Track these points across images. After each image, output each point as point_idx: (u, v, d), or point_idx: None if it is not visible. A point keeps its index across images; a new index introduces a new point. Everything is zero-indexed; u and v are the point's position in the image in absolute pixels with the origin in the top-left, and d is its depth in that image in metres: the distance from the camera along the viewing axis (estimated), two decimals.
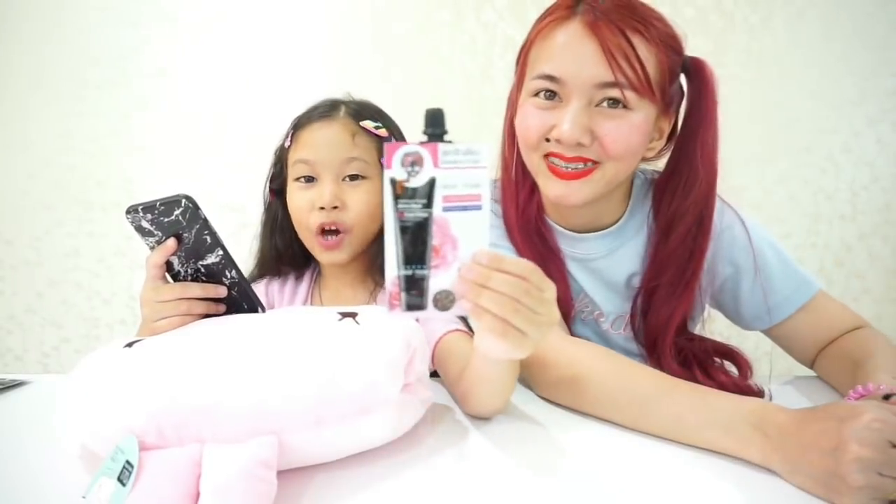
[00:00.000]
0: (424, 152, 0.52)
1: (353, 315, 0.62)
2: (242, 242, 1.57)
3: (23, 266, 1.63)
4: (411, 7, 1.51)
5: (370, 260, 0.92)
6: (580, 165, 0.74)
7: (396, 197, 0.52)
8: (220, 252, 0.65)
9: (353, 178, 0.87)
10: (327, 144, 0.87)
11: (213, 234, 0.64)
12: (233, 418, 0.53)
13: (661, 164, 0.85)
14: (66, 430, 0.58)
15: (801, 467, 0.52)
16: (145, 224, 0.64)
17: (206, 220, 0.63)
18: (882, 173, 1.55)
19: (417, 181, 0.52)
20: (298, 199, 0.88)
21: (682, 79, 0.78)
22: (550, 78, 0.72)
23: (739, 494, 0.53)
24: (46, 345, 1.66)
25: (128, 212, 0.64)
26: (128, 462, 0.49)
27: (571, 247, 0.85)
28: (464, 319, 0.81)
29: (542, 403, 0.74)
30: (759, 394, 0.74)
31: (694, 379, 0.73)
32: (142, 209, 0.63)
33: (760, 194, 1.54)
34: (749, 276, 0.83)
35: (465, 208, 0.53)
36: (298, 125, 0.91)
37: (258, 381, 0.54)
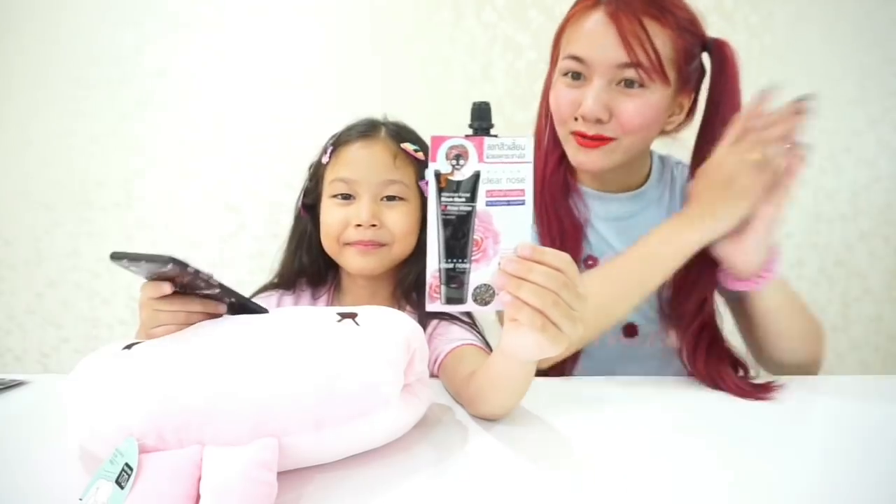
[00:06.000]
0: (470, 146, 0.51)
1: (352, 316, 0.62)
2: (241, 243, 1.58)
3: (23, 266, 1.63)
4: (411, 7, 1.51)
5: (397, 282, 0.92)
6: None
7: (440, 190, 0.52)
8: (217, 290, 0.62)
9: (391, 198, 0.88)
10: (368, 165, 0.87)
11: (207, 279, 0.60)
12: (233, 420, 0.53)
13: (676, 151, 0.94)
14: (65, 430, 0.58)
15: (720, 207, 0.74)
16: (133, 270, 0.61)
17: (196, 271, 0.59)
18: (882, 173, 1.55)
19: (462, 174, 0.52)
20: (334, 215, 0.88)
21: (706, 57, 0.86)
22: (577, 59, 0.83)
23: (743, 496, 0.53)
24: (46, 345, 1.66)
25: (113, 257, 0.59)
26: (127, 465, 0.49)
27: (602, 206, 0.95)
28: (476, 335, 0.83)
29: (544, 403, 0.74)
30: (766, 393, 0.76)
31: (700, 349, 0.82)
32: (127, 260, 0.58)
33: None
34: None
35: (508, 203, 0.53)
36: (338, 143, 0.91)
37: (258, 382, 0.54)
